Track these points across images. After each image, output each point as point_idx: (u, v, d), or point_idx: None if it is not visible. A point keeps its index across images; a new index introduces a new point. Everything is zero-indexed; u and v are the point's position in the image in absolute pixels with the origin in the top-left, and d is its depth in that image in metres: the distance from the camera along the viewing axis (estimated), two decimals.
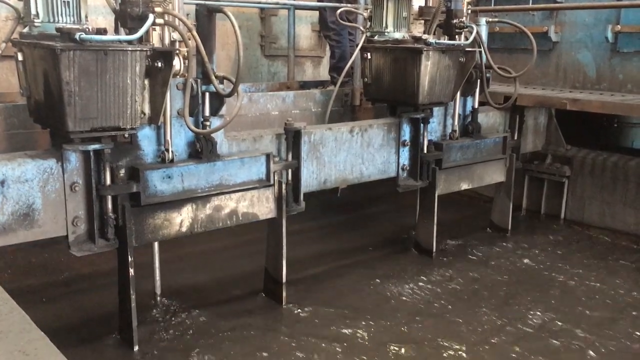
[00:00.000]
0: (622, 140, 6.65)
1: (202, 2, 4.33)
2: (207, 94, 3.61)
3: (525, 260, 5.22)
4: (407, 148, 4.96)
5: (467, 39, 4.81)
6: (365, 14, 5.05)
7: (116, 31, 3.33)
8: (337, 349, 3.71)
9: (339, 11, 5.22)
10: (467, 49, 4.78)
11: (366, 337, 3.87)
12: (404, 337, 3.89)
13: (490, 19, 5.41)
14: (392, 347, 3.76)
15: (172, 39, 3.38)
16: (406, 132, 4.93)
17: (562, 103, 5.53)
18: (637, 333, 4.02)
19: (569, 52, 6.68)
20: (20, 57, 3.17)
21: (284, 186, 4.09)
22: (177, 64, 3.30)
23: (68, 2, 3.11)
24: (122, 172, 3.37)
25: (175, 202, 3.62)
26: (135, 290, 3.50)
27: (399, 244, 5.52)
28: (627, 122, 6.56)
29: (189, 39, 3.31)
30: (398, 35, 4.79)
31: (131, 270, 3.46)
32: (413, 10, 4.92)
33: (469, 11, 5.03)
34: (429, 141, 5.00)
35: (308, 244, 5.43)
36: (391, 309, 4.28)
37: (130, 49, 3.03)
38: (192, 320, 3.99)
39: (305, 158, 4.26)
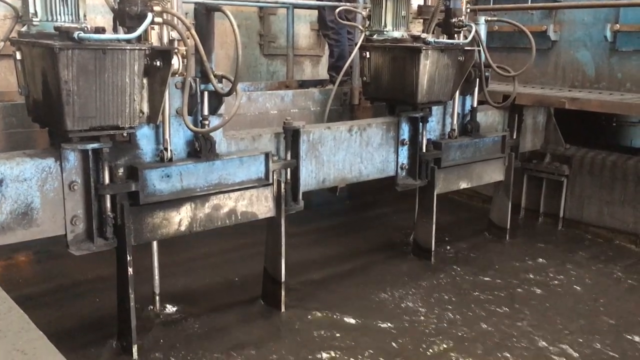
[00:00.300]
0: (620, 139, 6.65)
1: (201, 0, 4.31)
2: (205, 93, 3.60)
3: (525, 260, 5.22)
4: (406, 147, 4.96)
5: (466, 38, 4.82)
6: (364, 13, 5.06)
7: (115, 30, 3.32)
8: (337, 355, 3.70)
9: (338, 10, 5.22)
10: (466, 48, 4.78)
11: (367, 342, 3.84)
12: (405, 343, 3.87)
13: (489, 18, 5.40)
14: (393, 353, 3.75)
15: (170, 38, 3.37)
16: (405, 131, 4.92)
17: (561, 102, 5.54)
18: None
19: (568, 51, 6.68)
20: (18, 56, 3.16)
21: (282, 185, 4.09)
22: (176, 62, 3.29)
23: (66, 1, 3.10)
24: (121, 171, 3.36)
25: (174, 201, 3.61)
26: (134, 290, 3.48)
27: (399, 248, 5.49)
28: (626, 121, 6.56)
29: (188, 38, 3.31)
30: (397, 34, 4.79)
31: (130, 270, 3.45)
32: (412, 9, 4.92)
33: (468, 10, 5.03)
34: (428, 140, 5.00)
35: (307, 247, 5.42)
36: (391, 313, 4.25)
37: (128, 47, 3.03)
38: (191, 325, 3.98)
39: (304, 157, 4.25)
